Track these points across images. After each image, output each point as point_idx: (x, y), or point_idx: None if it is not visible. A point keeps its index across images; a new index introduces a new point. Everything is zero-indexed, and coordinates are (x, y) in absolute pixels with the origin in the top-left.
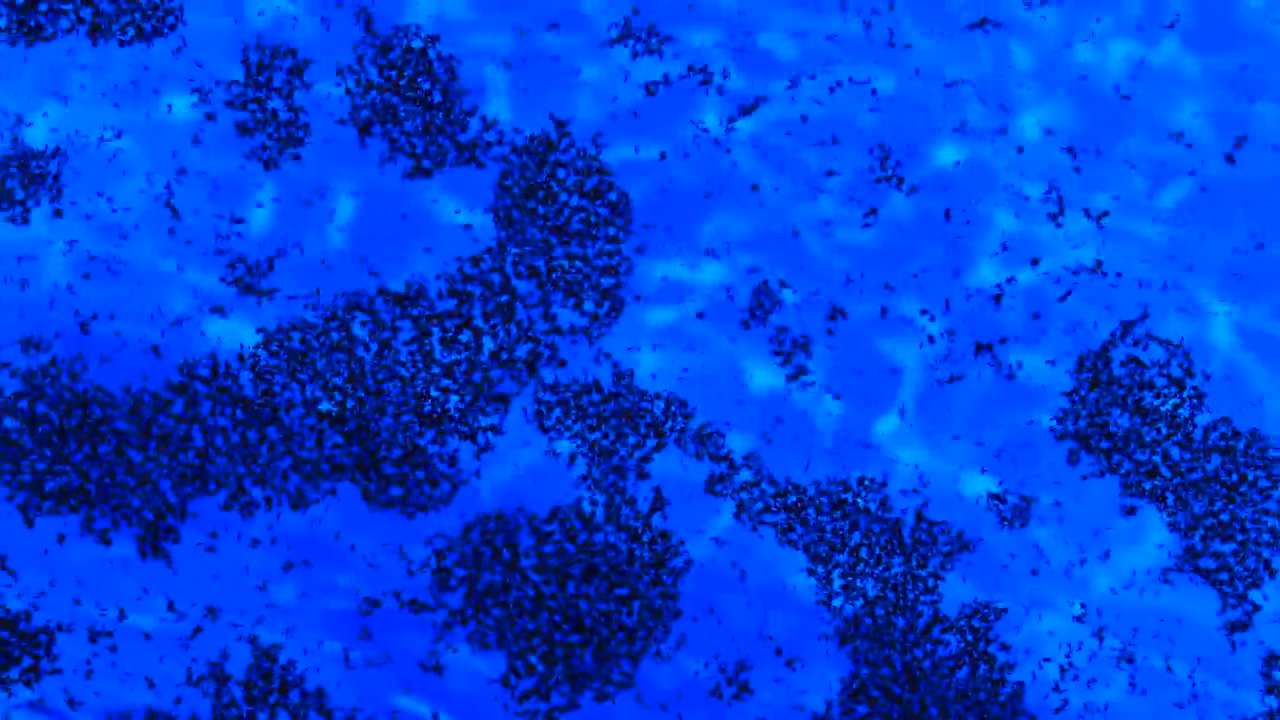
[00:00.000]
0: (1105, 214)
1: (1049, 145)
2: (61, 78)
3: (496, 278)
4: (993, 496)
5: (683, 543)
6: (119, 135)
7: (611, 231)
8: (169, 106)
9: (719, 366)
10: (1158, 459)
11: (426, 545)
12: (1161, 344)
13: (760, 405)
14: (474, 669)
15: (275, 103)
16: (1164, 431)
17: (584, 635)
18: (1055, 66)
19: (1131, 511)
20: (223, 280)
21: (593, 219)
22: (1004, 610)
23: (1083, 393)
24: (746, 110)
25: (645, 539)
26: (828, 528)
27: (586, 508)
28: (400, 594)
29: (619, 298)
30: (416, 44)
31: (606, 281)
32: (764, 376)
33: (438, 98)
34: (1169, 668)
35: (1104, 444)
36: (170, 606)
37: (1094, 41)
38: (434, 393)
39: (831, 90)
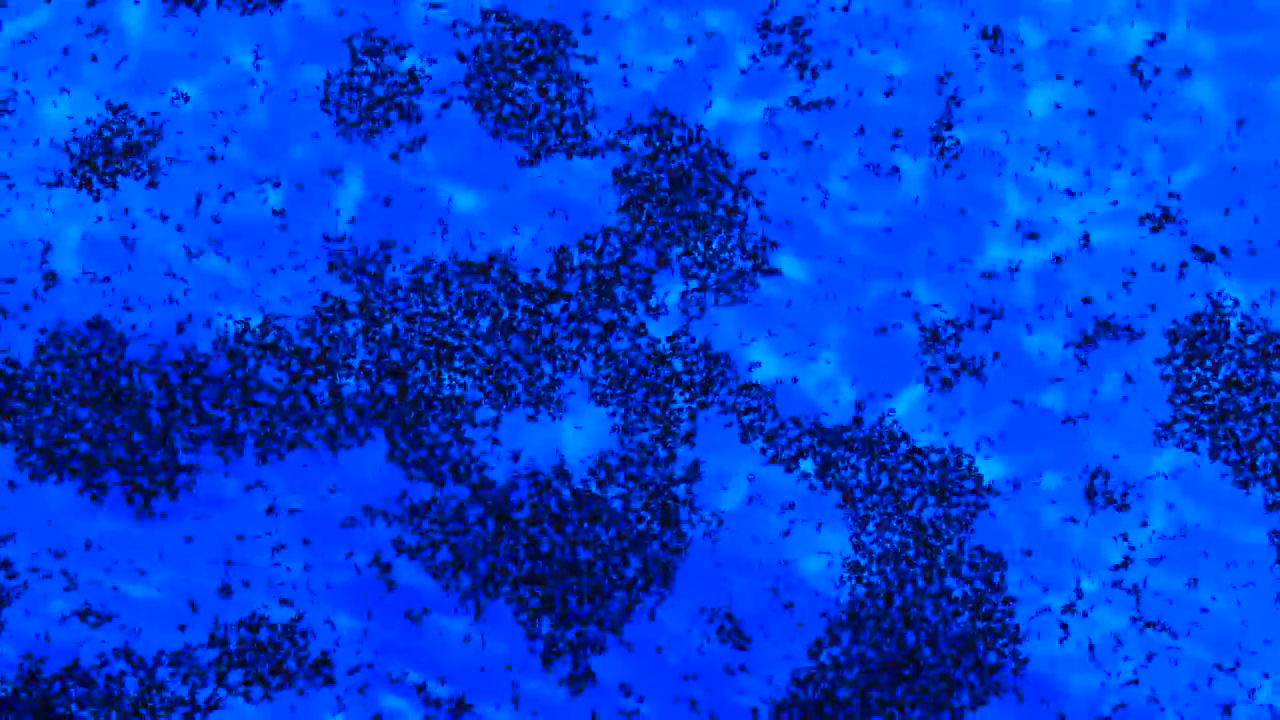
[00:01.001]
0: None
1: (1060, 124)
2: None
3: (611, 256)
4: (1097, 474)
5: (695, 502)
6: (217, 116)
7: (748, 220)
8: (294, 91)
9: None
10: (1256, 429)
11: (398, 501)
12: (1235, 323)
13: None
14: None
15: (379, 89)
16: (1261, 401)
17: (579, 580)
18: (1068, 45)
19: (1246, 485)
20: (332, 266)
21: (720, 204)
22: (1005, 562)
23: (1177, 363)
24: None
25: (662, 499)
26: (862, 467)
27: (613, 461)
28: (400, 540)
29: (754, 279)
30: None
31: (745, 263)
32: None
33: (553, 90)
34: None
35: (1203, 417)
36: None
37: (1108, 21)
38: (509, 360)
39: (842, 71)
